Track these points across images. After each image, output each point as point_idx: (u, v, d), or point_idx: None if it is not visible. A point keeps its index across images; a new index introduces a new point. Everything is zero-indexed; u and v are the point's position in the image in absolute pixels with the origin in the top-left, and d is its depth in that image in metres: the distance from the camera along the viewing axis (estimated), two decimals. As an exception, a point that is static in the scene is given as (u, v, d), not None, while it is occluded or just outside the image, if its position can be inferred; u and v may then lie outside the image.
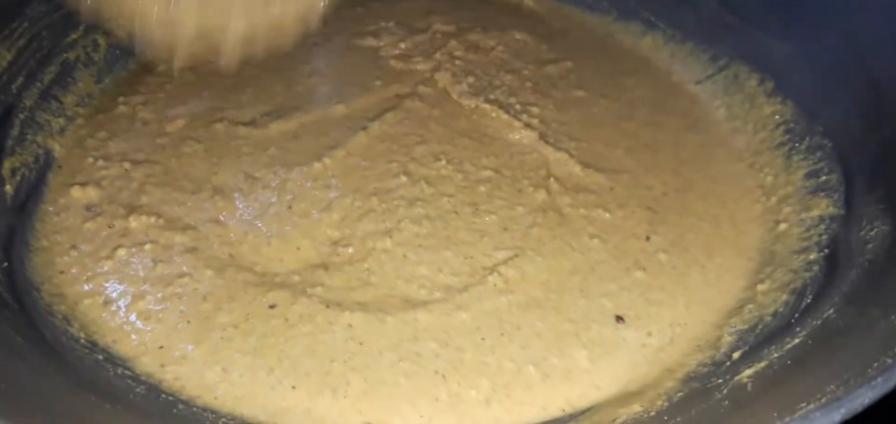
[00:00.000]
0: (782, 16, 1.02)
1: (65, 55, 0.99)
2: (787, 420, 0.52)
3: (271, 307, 0.78)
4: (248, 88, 1.04)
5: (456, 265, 0.84)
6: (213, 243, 0.84)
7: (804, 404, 0.53)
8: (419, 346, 0.76)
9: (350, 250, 0.84)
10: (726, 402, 0.65)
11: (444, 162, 0.94)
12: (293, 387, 0.73)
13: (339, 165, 0.93)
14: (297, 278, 0.81)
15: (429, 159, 0.94)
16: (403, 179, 0.92)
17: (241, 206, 0.88)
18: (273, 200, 0.89)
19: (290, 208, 0.88)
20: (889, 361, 0.55)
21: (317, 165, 0.92)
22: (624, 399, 0.73)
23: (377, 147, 0.96)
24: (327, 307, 0.79)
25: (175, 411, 0.70)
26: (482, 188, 0.92)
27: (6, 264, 0.78)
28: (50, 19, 0.96)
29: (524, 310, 0.80)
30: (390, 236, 0.86)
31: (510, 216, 0.89)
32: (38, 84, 0.95)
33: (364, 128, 0.98)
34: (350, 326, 0.77)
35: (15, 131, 0.88)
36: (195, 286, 0.80)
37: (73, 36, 1.00)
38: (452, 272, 0.83)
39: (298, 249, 0.84)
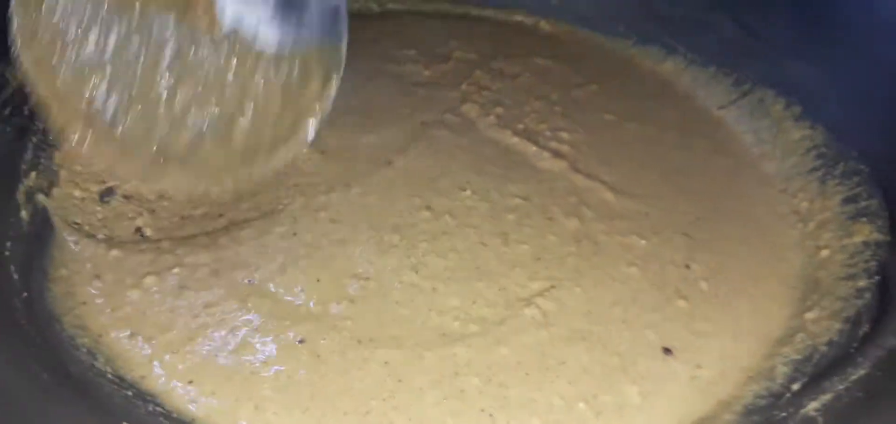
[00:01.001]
0: (804, 39, 1.01)
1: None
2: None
3: (300, 342, 0.75)
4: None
5: (490, 296, 0.80)
6: (233, 268, 0.80)
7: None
8: (461, 382, 0.73)
9: (373, 283, 0.81)
10: (797, 436, 0.63)
11: (469, 192, 0.91)
12: (332, 427, 0.70)
13: (354, 201, 0.89)
14: (320, 309, 0.78)
15: (453, 191, 0.91)
16: (426, 214, 0.88)
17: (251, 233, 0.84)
18: (281, 228, 0.85)
19: (295, 235, 0.84)
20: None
21: (332, 195, 0.89)
22: (682, 434, 0.70)
23: (399, 182, 0.92)
24: (359, 342, 0.75)
25: (211, 452, 0.66)
26: (511, 217, 0.88)
27: (25, 294, 0.74)
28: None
29: (567, 343, 0.77)
30: (416, 271, 0.82)
31: (542, 246, 0.86)
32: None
33: (388, 163, 0.94)
34: (386, 363, 0.74)
35: (29, 155, 0.85)
36: (221, 317, 0.76)
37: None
38: (487, 304, 0.80)
39: (318, 281, 0.80)
